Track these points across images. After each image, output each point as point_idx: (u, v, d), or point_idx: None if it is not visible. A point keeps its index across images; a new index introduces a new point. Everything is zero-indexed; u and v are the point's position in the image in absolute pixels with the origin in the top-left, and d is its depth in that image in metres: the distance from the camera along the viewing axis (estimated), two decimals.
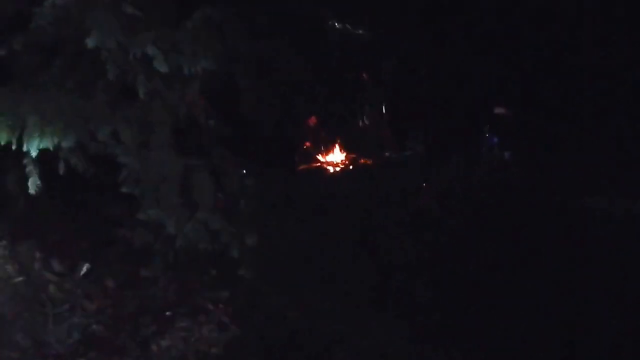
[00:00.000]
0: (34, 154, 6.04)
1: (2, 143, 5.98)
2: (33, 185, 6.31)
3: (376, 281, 6.51)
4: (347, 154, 9.22)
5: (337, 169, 9.10)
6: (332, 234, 6.86)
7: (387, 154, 9.27)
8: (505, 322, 5.98)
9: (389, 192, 7.69)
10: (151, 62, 6.12)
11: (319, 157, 9.22)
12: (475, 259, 6.66)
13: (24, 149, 6.03)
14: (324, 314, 6.10)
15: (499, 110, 9.09)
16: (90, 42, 5.89)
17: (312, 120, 9.23)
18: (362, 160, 9.17)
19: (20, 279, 6.31)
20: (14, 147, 6.02)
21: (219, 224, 6.50)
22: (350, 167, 9.11)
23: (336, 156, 9.24)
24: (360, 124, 9.33)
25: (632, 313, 5.98)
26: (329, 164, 9.19)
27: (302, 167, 9.16)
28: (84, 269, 6.65)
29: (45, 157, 6.20)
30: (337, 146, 9.25)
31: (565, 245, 6.72)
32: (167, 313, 6.35)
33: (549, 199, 7.47)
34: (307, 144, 9.26)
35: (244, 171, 7.11)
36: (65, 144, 6.06)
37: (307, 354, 5.83)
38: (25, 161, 6.27)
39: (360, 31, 8.47)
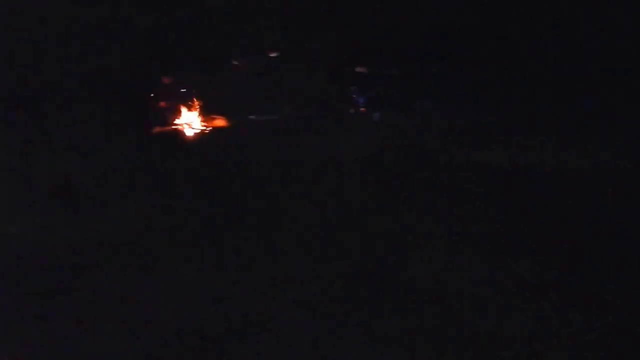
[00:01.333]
0: None
1: None
2: None
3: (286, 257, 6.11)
4: (205, 115, 8.47)
5: (196, 131, 8.34)
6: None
7: (250, 116, 8.57)
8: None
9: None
10: None
11: (175, 119, 8.45)
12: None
13: None
14: (233, 299, 5.51)
15: (362, 69, 8.54)
16: None
17: (168, 79, 8.49)
18: (221, 123, 8.44)
19: None
20: None
21: None
22: (209, 129, 8.36)
23: (193, 117, 8.47)
24: (222, 82, 8.63)
25: None
26: (187, 125, 8.42)
27: (156, 130, 8.39)
28: None
29: None
30: (195, 106, 8.49)
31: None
32: None
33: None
34: (162, 104, 8.49)
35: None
36: None
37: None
38: None
39: None
